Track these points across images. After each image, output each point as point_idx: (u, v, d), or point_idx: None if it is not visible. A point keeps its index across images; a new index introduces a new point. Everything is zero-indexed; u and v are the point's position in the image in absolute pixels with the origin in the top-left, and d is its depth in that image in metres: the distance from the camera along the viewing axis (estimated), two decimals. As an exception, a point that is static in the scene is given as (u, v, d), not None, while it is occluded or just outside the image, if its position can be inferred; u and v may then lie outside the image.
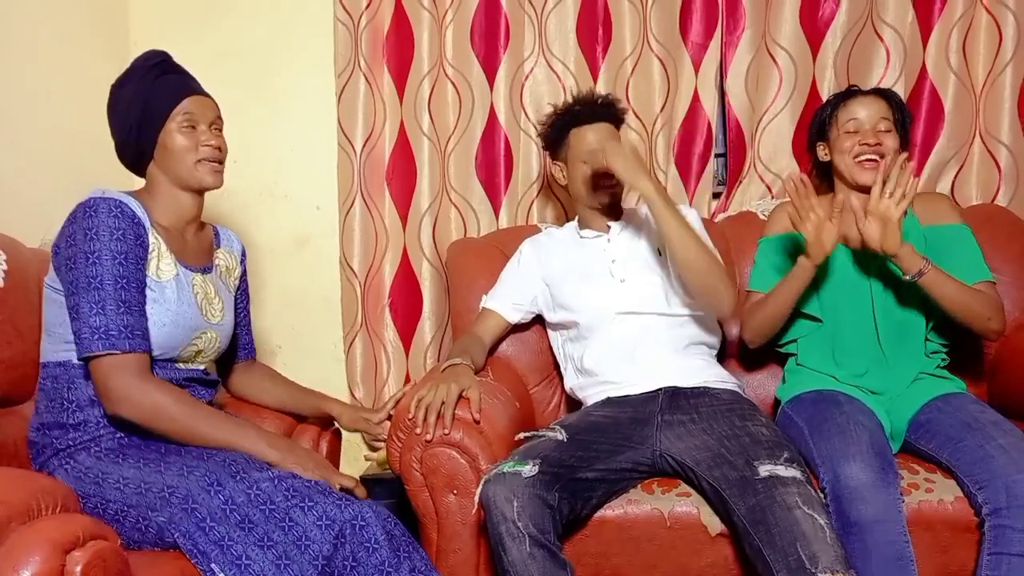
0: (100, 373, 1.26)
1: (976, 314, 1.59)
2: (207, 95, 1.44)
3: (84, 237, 1.26)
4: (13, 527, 0.97)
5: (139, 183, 1.46)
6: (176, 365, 1.39)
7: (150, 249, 1.34)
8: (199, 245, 1.49)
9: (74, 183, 1.42)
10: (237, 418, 1.39)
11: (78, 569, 0.97)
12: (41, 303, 1.39)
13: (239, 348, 1.64)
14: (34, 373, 1.41)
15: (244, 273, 1.63)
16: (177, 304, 1.35)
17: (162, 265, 1.36)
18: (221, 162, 1.43)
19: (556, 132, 1.81)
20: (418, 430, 1.49)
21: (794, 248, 1.76)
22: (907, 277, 1.58)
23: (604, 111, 1.79)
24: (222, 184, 1.43)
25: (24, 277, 1.46)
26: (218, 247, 1.56)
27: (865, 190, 1.65)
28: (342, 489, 1.27)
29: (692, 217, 1.84)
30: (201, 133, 1.39)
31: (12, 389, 1.43)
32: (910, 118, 1.76)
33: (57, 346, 1.35)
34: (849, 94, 1.76)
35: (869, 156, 1.68)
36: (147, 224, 1.34)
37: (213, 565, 1.14)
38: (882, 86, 2.06)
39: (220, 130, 1.44)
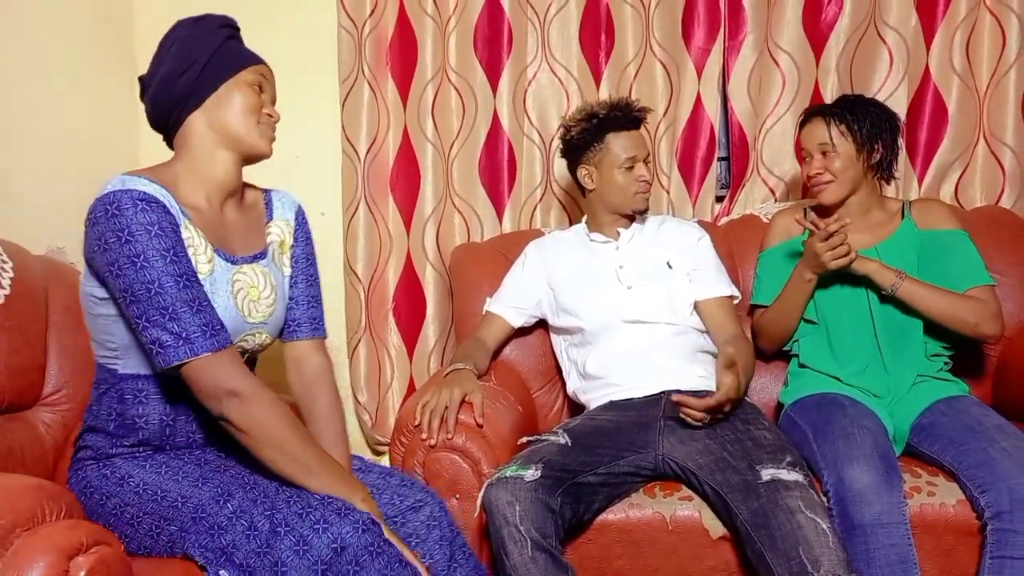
0: (199, 377, 1.17)
1: (961, 321, 1.62)
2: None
3: (117, 240, 1.14)
4: (18, 533, 0.98)
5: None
6: None
7: (186, 244, 1.21)
8: (246, 225, 1.35)
9: (80, 190, 1.40)
10: (330, 464, 1.24)
11: (82, 574, 0.98)
12: (47, 311, 1.38)
13: (299, 324, 1.42)
14: (40, 380, 1.42)
15: (300, 239, 1.44)
16: None
17: (197, 263, 1.22)
18: (274, 133, 1.35)
19: (591, 135, 1.79)
20: (423, 435, 1.50)
21: (794, 256, 1.78)
22: (884, 292, 1.64)
23: (638, 120, 1.81)
24: (271, 155, 1.34)
25: (31, 284, 1.47)
26: (270, 219, 1.41)
27: (828, 210, 1.78)
28: None
29: (705, 243, 1.85)
30: (266, 102, 1.32)
31: (19, 396, 1.44)
32: (868, 119, 1.72)
33: (103, 351, 1.28)
34: (804, 119, 1.80)
35: (815, 184, 1.75)
36: (178, 215, 1.21)
37: (222, 572, 1.14)
38: (884, 90, 2.08)
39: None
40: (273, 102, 1.35)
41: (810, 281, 1.69)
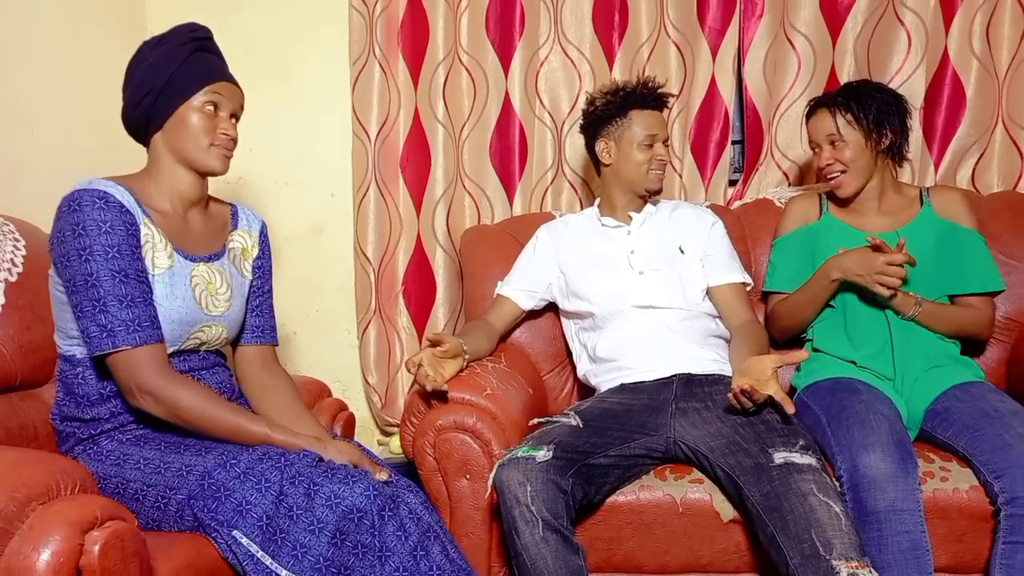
0: (118, 370, 1.25)
1: (967, 333, 1.72)
2: (237, 84, 1.41)
3: (72, 233, 1.23)
4: (33, 507, 0.99)
5: (142, 163, 1.40)
6: (181, 357, 1.36)
7: (143, 240, 1.29)
8: (206, 229, 1.43)
9: (92, 170, 1.41)
10: (262, 418, 1.35)
11: (96, 548, 0.99)
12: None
13: (245, 330, 1.49)
14: (52, 358, 1.42)
15: (265, 252, 1.53)
16: (168, 299, 1.30)
17: (156, 258, 1.30)
18: (231, 151, 1.40)
19: (616, 109, 1.77)
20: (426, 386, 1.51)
21: (809, 242, 1.77)
22: (903, 317, 1.67)
23: (663, 101, 1.80)
24: (227, 171, 1.39)
25: (43, 263, 1.46)
26: (235, 228, 1.49)
27: (842, 200, 1.78)
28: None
29: (718, 228, 1.84)
30: (221, 120, 1.36)
31: (32, 373, 1.45)
32: (874, 105, 1.69)
33: (63, 340, 1.34)
34: (809, 110, 1.78)
35: (828, 175, 1.74)
36: (138, 214, 1.29)
37: (235, 532, 1.16)
38: (902, 73, 2.05)
39: (238, 121, 1.41)
40: (234, 116, 1.39)
41: (835, 282, 1.68)
